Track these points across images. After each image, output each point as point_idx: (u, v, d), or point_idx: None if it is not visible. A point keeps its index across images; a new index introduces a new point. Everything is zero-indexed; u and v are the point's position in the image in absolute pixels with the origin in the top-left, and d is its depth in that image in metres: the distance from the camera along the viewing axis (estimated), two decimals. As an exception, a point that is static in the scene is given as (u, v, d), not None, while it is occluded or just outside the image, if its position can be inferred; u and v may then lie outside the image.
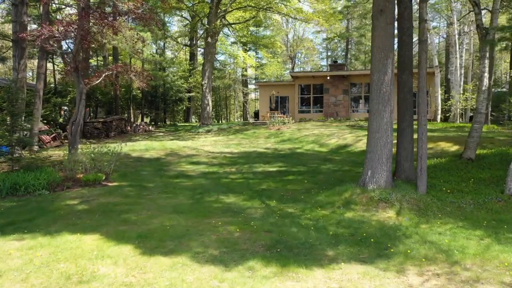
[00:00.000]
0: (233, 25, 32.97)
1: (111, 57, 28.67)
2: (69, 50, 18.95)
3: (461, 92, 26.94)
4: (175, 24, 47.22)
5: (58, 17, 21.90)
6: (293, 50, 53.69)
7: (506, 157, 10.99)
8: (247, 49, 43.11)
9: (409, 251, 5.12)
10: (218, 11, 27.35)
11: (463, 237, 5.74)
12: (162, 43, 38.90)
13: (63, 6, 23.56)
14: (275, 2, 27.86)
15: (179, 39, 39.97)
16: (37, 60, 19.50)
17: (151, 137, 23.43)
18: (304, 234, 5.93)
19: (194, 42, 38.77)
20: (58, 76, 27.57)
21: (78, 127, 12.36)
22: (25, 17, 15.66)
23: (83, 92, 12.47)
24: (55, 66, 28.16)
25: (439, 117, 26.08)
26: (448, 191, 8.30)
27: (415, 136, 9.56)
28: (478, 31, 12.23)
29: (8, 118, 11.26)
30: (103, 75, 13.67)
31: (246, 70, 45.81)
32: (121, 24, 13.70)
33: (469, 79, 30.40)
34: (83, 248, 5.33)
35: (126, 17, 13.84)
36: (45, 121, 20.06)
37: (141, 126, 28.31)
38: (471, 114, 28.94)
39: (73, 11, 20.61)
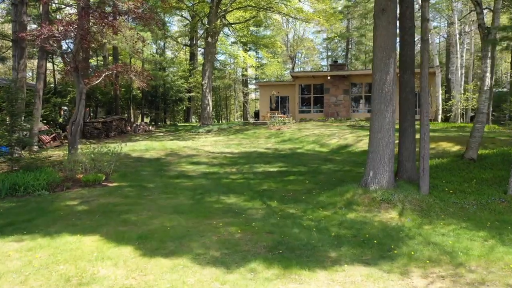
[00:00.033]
0: (233, 25, 32.91)
1: (111, 57, 28.62)
2: (69, 50, 18.89)
3: (462, 92, 26.88)
4: (175, 24, 47.19)
5: (58, 17, 21.84)
6: (293, 50, 53.64)
7: (508, 157, 10.93)
8: (247, 49, 43.06)
9: (412, 252, 5.06)
10: (218, 11, 27.30)
11: (467, 238, 5.68)
12: (162, 43, 38.85)
13: (63, 6, 23.50)
14: (275, 2, 27.80)
15: (179, 39, 39.91)
16: (37, 60, 19.45)
17: (151, 137, 23.38)
18: (306, 235, 5.87)
19: (194, 42, 38.72)
20: (58, 76, 27.51)
21: (78, 127, 12.30)
22: (25, 16, 15.60)
23: (83, 92, 12.41)
24: (55, 66, 28.11)
25: (440, 117, 26.02)
26: (451, 191, 8.24)
27: (417, 136, 9.52)
28: (480, 31, 12.17)
29: (8, 118, 11.20)
30: (103, 75, 13.62)
31: (246, 70, 45.76)
32: (121, 24, 13.64)
33: (470, 79, 30.34)
34: (83, 250, 5.27)
35: (126, 16, 13.79)
36: (45, 121, 20.00)
37: (141, 126, 28.25)
38: (472, 114, 28.90)
39: (73, 10, 20.56)
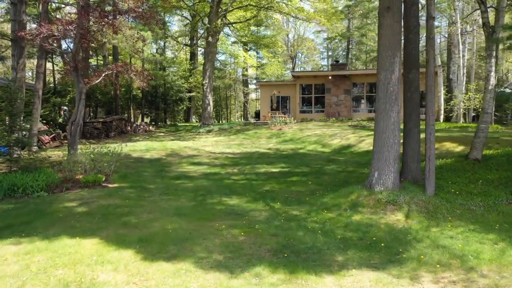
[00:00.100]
0: (234, 25, 32.79)
1: (111, 57, 28.49)
2: (69, 49, 18.74)
3: (464, 92, 26.74)
4: (176, 24, 47.08)
5: (57, 16, 21.69)
6: (293, 50, 53.52)
7: (513, 157, 10.79)
8: (248, 49, 42.95)
9: (422, 256, 4.91)
10: (219, 10, 27.17)
11: (476, 241, 5.54)
12: (162, 43, 38.74)
13: (63, 6, 23.36)
14: (276, 1, 27.69)
15: (179, 39, 39.80)
16: (36, 60, 19.31)
17: (151, 137, 23.24)
18: (311, 238, 5.72)
19: (195, 41, 38.61)
20: (57, 76, 27.40)
21: (78, 127, 12.16)
22: (24, 16, 15.47)
23: (82, 91, 12.27)
24: (55, 66, 27.98)
25: (441, 117, 25.89)
26: (457, 192, 8.09)
27: (422, 136, 9.37)
28: (484, 30, 12.03)
29: (7, 118, 11.05)
30: (103, 75, 13.48)
31: (246, 70, 45.64)
32: (121, 23, 13.51)
33: (472, 78, 30.20)
34: (82, 253, 5.13)
35: (126, 16, 13.65)
36: (44, 121, 19.87)
37: (141, 126, 28.12)
38: (474, 114, 28.77)
39: (73, 10, 20.42)
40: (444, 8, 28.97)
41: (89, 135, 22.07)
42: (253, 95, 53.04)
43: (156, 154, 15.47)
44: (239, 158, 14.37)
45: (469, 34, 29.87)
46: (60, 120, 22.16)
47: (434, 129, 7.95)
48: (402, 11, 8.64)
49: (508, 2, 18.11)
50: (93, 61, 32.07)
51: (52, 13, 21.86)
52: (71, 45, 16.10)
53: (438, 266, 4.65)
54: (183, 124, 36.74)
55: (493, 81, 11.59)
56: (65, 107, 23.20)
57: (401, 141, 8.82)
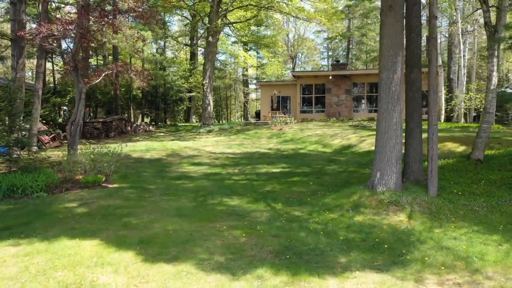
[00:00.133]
0: (234, 24, 32.74)
1: (111, 57, 28.43)
2: (69, 49, 18.68)
3: (465, 91, 26.69)
4: (176, 24, 47.04)
5: (57, 16, 21.63)
6: (294, 50, 53.47)
7: (516, 158, 10.73)
8: (248, 48, 42.90)
9: (426, 258, 4.85)
10: (219, 10, 27.11)
11: (480, 243, 5.47)
12: (162, 43, 38.68)
13: (63, 5, 23.31)
14: (276, 1, 27.63)
15: (179, 39, 39.75)
16: (36, 60, 19.25)
17: (151, 137, 23.18)
18: (313, 239, 5.66)
19: (195, 41, 38.55)
20: (57, 76, 27.34)
21: (78, 127, 12.10)
22: (24, 15, 15.41)
23: (82, 91, 12.21)
24: (55, 66, 27.91)
25: (442, 117, 25.84)
26: (459, 193, 8.03)
27: (423, 136, 9.31)
28: (486, 29, 11.96)
29: (6, 118, 10.99)
30: (103, 75, 13.42)
31: (247, 70, 45.60)
32: (121, 23, 13.45)
33: (473, 78, 30.13)
34: (82, 255, 5.07)
35: (126, 15, 13.59)
36: (44, 121, 19.81)
37: (141, 126, 28.06)
38: (475, 114, 28.72)
39: (73, 10, 20.37)
40: (445, 8, 28.91)
41: (89, 135, 22.01)
42: (253, 95, 53.00)
43: (156, 154, 15.41)
44: (240, 158, 14.31)
45: (469, 34, 29.80)
46: (60, 120, 22.10)
47: (436, 129, 7.89)
48: (404, 11, 8.58)
49: (510, 2, 18.07)
50: (93, 61, 32.01)
51: (52, 13, 21.81)
52: (71, 45, 16.06)
53: (442, 268, 4.58)
54: (183, 124, 36.67)
55: (495, 80, 11.53)
56: (65, 107, 23.14)
57: (403, 141, 8.76)
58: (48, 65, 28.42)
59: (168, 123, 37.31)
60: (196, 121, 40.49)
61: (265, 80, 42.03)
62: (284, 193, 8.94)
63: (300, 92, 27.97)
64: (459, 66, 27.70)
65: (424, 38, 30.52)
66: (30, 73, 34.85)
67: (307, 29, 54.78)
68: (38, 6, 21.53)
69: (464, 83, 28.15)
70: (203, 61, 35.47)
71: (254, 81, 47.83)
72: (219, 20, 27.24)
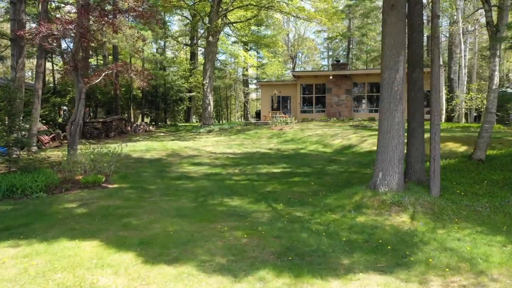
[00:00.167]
0: (234, 24, 32.68)
1: (111, 57, 28.38)
2: (69, 49, 18.62)
3: (466, 91, 26.63)
4: (176, 24, 46.98)
5: (57, 15, 21.57)
6: (294, 50, 53.42)
7: (518, 158, 10.68)
8: (248, 48, 42.84)
9: (430, 260, 4.79)
10: (220, 9, 27.06)
11: (484, 244, 5.42)
12: (162, 43, 38.63)
13: (62, 5, 23.25)
14: (276, 1, 27.57)
15: (179, 39, 39.70)
16: (36, 59, 19.19)
17: (151, 137, 23.13)
18: (315, 240, 5.60)
19: (195, 41, 38.50)
20: (57, 76, 27.28)
21: (78, 127, 12.04)
22: (24, 15, 15.36)
23: (82, 91, 12.15)
24: (54, 66, 27.86)
25: (443, 117, 25.79)
26: (462, 193, 7.97)
27: (425, 136, 9.26)
28: (488, 29, 11.90)
29: (6, 118, 10.94)
30: (103, 74, 13.37)
31: (247, 70, 45.54)
32: (121, 22, 13.40)
33: (473, 78, 30.08)
34: (82, 256, 5.01)
35: (126, 15, 13.53)
36: (44, 121, 19.75)
37: (142, 126, 28.01)
38: (475, 114, 28.66)
39: (73, 10, 20.31)
40: (445, 8, 28.85)
41: (89, 135, 21.95)
42: (253, 95, 52.95)
43: (157, 154, 15.35)
44: (240, 158, 14.25)
45: (470, 33, 29.74)
46: (60, 120, 22.04)
47: (439, 129, 7.83)
48: (406, 10, 8.53)
49: None
50: (93, 61, 31.94)
51: (52, 13, 21.75)
52: (71, 45, 16.00)
53: (447, 269, 4.53)
54: (183, 124, 36.62)
55: (497, 80, 11.48)
56: (64, 107, 23.08)
57: (405, 141, 8.70)
58: (48, 65, 28.37)
59: (168, 123, 37.26)
60: (196, 121, 40.43)
61: (265, 80, 41.97)
62: (285, 193, 8.88)
63: (301, 92, 27.91)
64: (460, 66, 27.65)
65: (424, 38, 30.41)
66: (30, 73, 34.79)
67: (307, 29, 54.77)
68: (38, 6, 21.48)
69: (465, 83, 28.10)
70: (203, 61, 35.41)
71: (254, 81, 47.78)
72: (219, 19, 27.19)
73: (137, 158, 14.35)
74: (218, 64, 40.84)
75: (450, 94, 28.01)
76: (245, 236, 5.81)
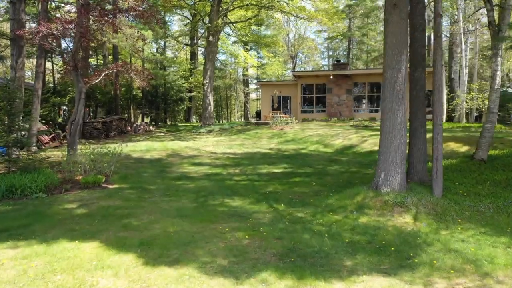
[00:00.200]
0: (234, 24, 32.62)
1: (111, 56, 28.33)
2: (68, 48, 18.56)
3: (466, 91, 26.58)
4: (176, 24, 46.92)
5: (57, 15, 21.51)
6: (294, 50, 53.36)
7: (520, 158, 10.62)
8: (248, 48, 42.78)
9: (434, 261, 4.73)
10: (220, 9, 27.00)
11: (489, 245, 5.36)
12: (162, 42, 38.58)
13: (62, 5, 23.19)
14: (277, 1, 27.51)
15: (179, 38, 39.63)
16: (35, 59, 19.13)
17: (151, 137, 23.07)
18: (317, 241, 5.54)
19: (195, 41, 38.44)
20: (57, 75, 27.22)
21: (77, 127, 11.98)
22: (23, 14, 15.30)
23: (82, 91, 12.09)
24: (54, 65, 27.80)
25: (444, 117, 25.72)
26: (465, 194, 7.92)
27: (427, 136, 9.20)
28: (490, 28, 11.84)
29: (6, 118, 10.88)
30: (103, 74, 13.31)
31: (247, 70, 45.48)
32: (121, 22, 13.34)
33: (474, 78, 30.01)
34: (82, 257, 4.95)
35: (127, 14, 13.47)
36: (43, 121, 19.69)
37: (142, 126, 27.95)
38: (476, 114, 28.60)
39: (73, 10, 20.25)
40: (446, 7, 28.79)
41: (89, 135, 21.89)
42: (253, 95, 52.90)
43: (157, 154, 15.29)
44: (241, 159, 14.19)
45: (471, 33, 29.68)
46: (60, 120, 21.98)
47: (441, 128, 7.78)
48: (408, 9, 8.46)
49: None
50: (93, 61, 31.88)
51: (52, 12, 21.69)
52: (71, 44, 15.93)
53: (452, 271, 4.47)
54: (183, 124, 36.55)
55: (499, 80, 11.42)
56: (64, 107, 23.01)
57: (407, 141, 8.64)
58: (48, 64, 28.31)
59: (168, 123, 37.19)
60: (197, 121, 40.36)
61: (265, 80, 41.92)
62: (286, 193, 8.83)
63: (301, 92, 27.86)
64: (461, 66, 27.59)
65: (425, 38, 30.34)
66: (30, 73, 34.73)
67: (307, 29, 54.69)
68: (37, 5, 21.41)
69: (466, 82, 28.04)
70: (203, 61, 35.37)
71: (255, 81, 47.74)
72: (220, 19, 27.13)
73: (137, 158, 14.29)
74: (218, 64, 40.79)
75: (451, 94, 27.95)
76: (246, 237, 5.75)
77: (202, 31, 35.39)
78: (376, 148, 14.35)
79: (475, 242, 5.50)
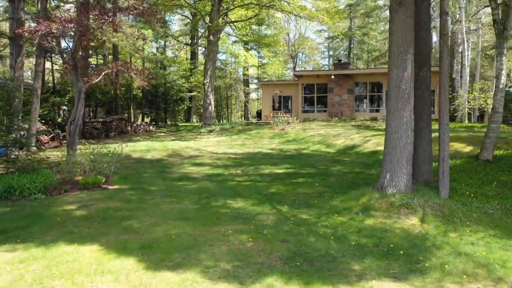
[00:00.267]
0: (235, 23, 32.46)
1: (111, 56, 28.18)
2: (68, 48, 18.41)
3: (469, 91, 26.42)
4: (176, 23, 46.78)
5: (57, 15, 21.33)
6: (294, 50, 53.22)
7: (526, 158, 10.47)
8: (249, 48, 42.64)
9: (446, 265, 4.58)
10: (220, 8, 26.85)
11: (499, 248, 5.21)
12: (163, 42, 38.44)
13: (62, 4, 23.04)
14: (278, 0, 27.36)
15: (180, 38, 39.48)
16: (35, 59, 18.97)
17: (152, 137, 22.92)
18: (323, 244, 5.39)
19: (195, 41, 38.30)
20: (56, 75, 27.07)
21: (77, 127, 11.83)
22: (22, 13, 15.15)
23: (82, 91, 11.94)
24: (54, 65, 27.64)
25: (446, 117, 25.54)
26: (471, 195, 7.78)
27: (432, 136, 9.05)
28: (494, 27, 11.68)
29: (4, 117, 10.72)
30: (103, 74, 13.17)
31: (247, 70, 45.33)
32: (121, 21, 13.20)
33: (477, 78, 29.87)
34: (81, 261, 4.80)
35: (127, 13, 13.33)
36: (43, 121, 19.54)
37: (142, 126, 27.80)
38: (478, 114, 28.44)
39: (72, 9, 20.11)
40: (448, 7, 28.63)
41: (89, 135, 21.74)
42: (254, 95, 52.76)
43: (157, 154, 15.14)
44: (242, 159, 14.04)
45: (473, 33, 29.52)
46: (59, 120, 21.81)
47: (448, 129, 7.63)
48: (414, 7, 8.31)
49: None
50: (93, 61, 31.74)
51: (52, 12, 21.52)
52: (71, 44, 15.80)
53: (464, 276, 4.32)
54: (183, 124, 36.40)
55: (504, 79, 11.29)
56: (64, 107, 22.84)
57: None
58: (48, 64, 28.16)
59: (169, 123, 37.04)
60: (197, 121, 40.21)
61: (266, 79, 41.77)
62: (290, 194, 8.68)
63: (302, 91, 27.71)
64: (463, 65, 27.43)
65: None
66: (29, 73, 34.57)
67: (308, 29, 54.53)
68: (37, 4, 21.28)
69: (467, 82, 27.87)
70: (203, 61, 35.21)
71: (255, 81, 47.61)
72: (220, 19, 26.98)
73: (137, 158, 14.14)
74: (219, 64, 40.64)
75: (453, 94, 27.78)
76: (250, 240, 5.60)
77: (203, 30, 35.25)
78: (379, 148, 14.23)
79: (485, 245, 5.36)
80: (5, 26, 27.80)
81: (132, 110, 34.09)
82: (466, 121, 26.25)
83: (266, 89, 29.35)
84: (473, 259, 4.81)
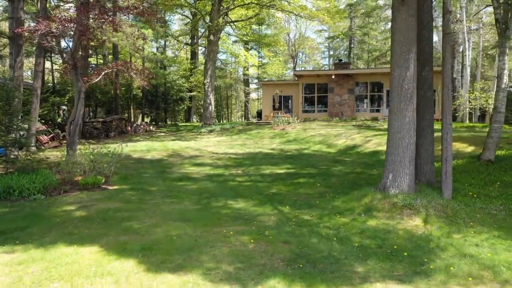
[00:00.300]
0: (235, 23, 32.39)
1: (111, 56, 28.11)
2: (68, 48, 18.34)
3: (470, 91, 26.36)
4: (176, 23, 46.73)
5: (57, 14, 21.27)
6: (295, 49, 53.16)
7: (528, 158, 10.40)
8: (249, 48, 42.57)
9: (451, 267, 4.51)
10: (221, 8, 26.78)
11: (504, 250, 5.15)
12: (163, 42, 38.36)
13: (61, 4, 22.97)
14: (278, -1, 27.31)
15: (180, 38, 39.42)
16: (34, 58, 18.90)
17: (152, 137, 22.85)
18: (326, 245, 5.33)
19: (196, 40, 38.23)
20: (56, 75, 27.01)
21: (77, 127, 11.76)
22: (22, 13, 15.08)
23: (82, 90, 11.87)
24: (54, 65, 27.58)
25: (447, 116, 25.50)
26: (474, 195, 7.71)
27: (435, 135, 8.99)
28: (497, 26, 11.61)
29: (4, 117, 10.65)
30: (103, 73, 13.10)
31: (247, 69, 45.26)
32: (121, 21, 13.13)
33: (478, 78, 29.81)
34: (80, 263, 4.73)
35: (127, 12, 13.26)
36: (43, 121, 19.48)
37: (142, 126, 27.74)
38: (479, 114, 28.39)
39: (72, 9, 20.03)
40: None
41: (89, 135, 21.67)
42: (254, 95, 52.70)
43: (157, 154, 15.08)
44: (243, 159, 13.98)
45: (474, 32, 29.46)
46: (59, 119, 21.75)
47: (451, 128, 7.56)
48: (416, 5, 8.24)
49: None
50: (93, 60, 31.67)
51: (51, 11, 21.46)
52: (70, 43, 15.73)
53: (470, 278, 4.25)
54: (184, 124, 36.33)
55: (506, 79, 11.20)
56: (64, 107, 22.79)
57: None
58: (47, 64, 28.09)
59: (169, 123, 36.97)
60: (197, 121, 40.14)
61: (266, 79, 41.71)
62: (291, 195, 8.61)
63: (302, 91, 27.65)
64: (464, 65, 27.38)
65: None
66: (29, 72, 34.50)
67: (308, 28, 54.46)
68: (36, 4, 21.21)
69: (468, 82, 27.83)
70: (203, 61, 35.15)
71: (255, 81, 47.54)
72: (220, 18, 26.91)
73: (137, 158, 14.08)
74: (219, 64, 40.58)
75: (453, 94, 27.72)
76: (251, 241, 5.54)
77: (203, 30, 35.19)
78: (380, 148, 14.17)
79: (490, 246, 5.29)
80: (5, 26, 27.73)
81: (132, 110, 34.03)
82: (467, 121, 26.19)
83: (266, 89, 29.29)
84: (478, 261, 4.75)
